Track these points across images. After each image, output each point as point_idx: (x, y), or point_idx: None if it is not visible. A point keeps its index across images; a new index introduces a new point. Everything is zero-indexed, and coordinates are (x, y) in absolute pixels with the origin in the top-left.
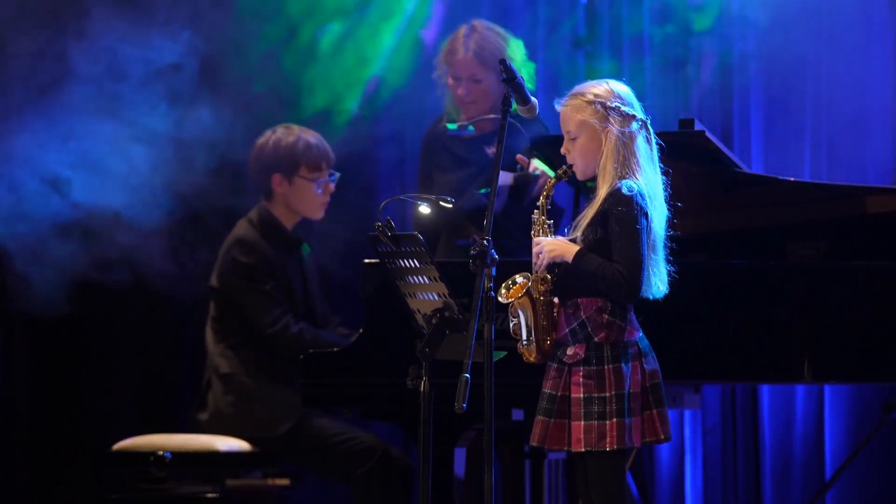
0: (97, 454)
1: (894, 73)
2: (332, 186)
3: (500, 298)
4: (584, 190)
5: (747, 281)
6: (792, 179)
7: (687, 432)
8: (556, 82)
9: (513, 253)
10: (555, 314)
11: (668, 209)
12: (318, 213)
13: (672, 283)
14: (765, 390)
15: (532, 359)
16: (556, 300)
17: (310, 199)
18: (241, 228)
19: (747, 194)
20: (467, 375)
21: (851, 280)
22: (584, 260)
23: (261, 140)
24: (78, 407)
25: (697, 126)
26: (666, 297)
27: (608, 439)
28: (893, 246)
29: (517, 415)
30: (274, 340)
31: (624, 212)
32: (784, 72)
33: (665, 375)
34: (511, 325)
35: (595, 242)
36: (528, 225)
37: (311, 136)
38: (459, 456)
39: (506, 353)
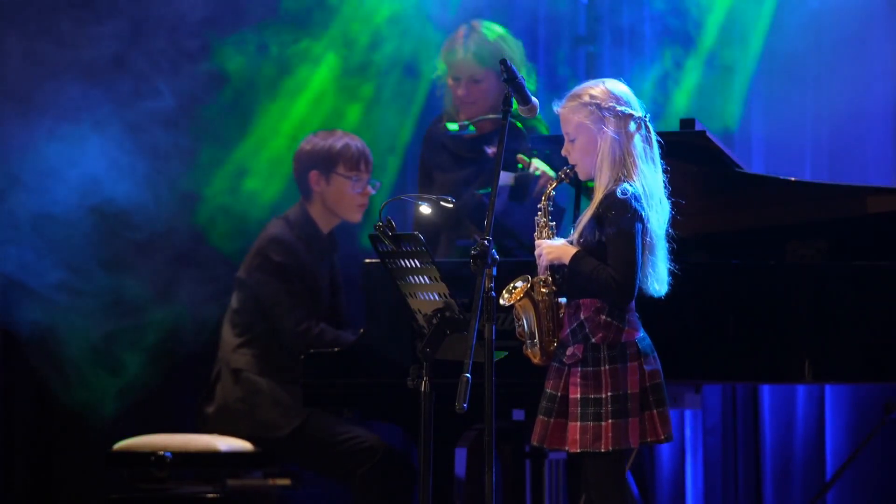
0: (97, 454)
1: (894, 73)
2: (370, 189)
3: (501, 302)
4: (584, 190)
5: (747, 281)
6: (792, 179)
7: (687, 432)
8: (556, 82)
9: (514, 253)
10: (560, 315)
11: (671, 207)
12: (354, 215)
13: (672, 283)
14: (765, 390)
15: (538, 361)
16: (562, 302)
17: (346, 197)
18: (277, 227)
19: (748, 194)
20: (468, 375)
21: (852, 280)
22: (580, 262)
23: (304, 141)
24: (78, 406)
25: (698, 126)
26: (666, 296)
27: (604, 440)
28: (894, 246)
29: (517, 415)
30: (296, 341)
31: (618, 215)
32: (784, 71)
33: (665, 375)
34: (517, 327)
35: (593, 244)
36: (529, 224)
37: (352, 139)
38: (460, 456)
39: (506, 353)
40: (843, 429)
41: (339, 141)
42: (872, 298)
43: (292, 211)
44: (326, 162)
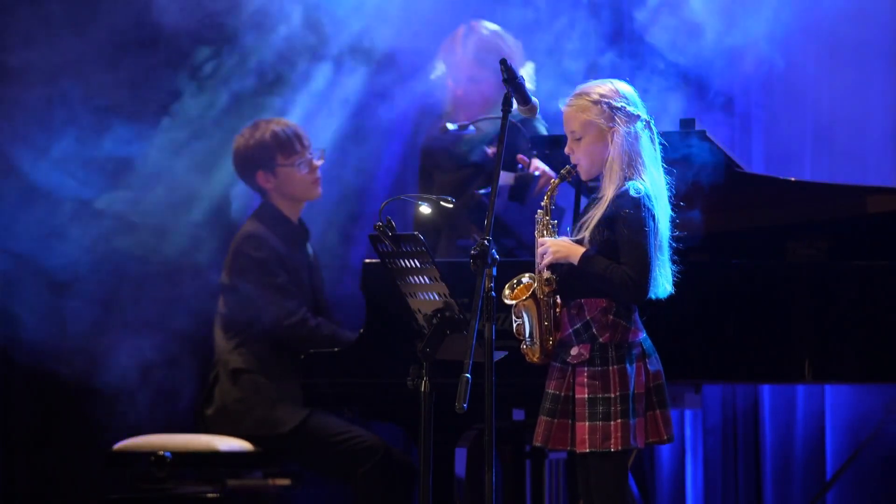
0: (97, 454)
1: (894, 74)
2: (316, 162)
3: (504, 299)
4: (584, 190)
5: (748, 281)
6: (792, 179)
7: (688, 432)
8: (556, 82)
9: (514, 253)
10: (557, 314)
11: (672, 209)
12: (313, 193)
13: (673, 283)
14: (766, 390)
15: (535, 359)
16: (558, 300)
17: (298, 182)
18: (250, 224)
19: (748, 194)
20: (468, 375)
21: (852, 280)
22: (591, 262)
23: (234, 145)
24: (78, 406)
25: (698, 126)
26: (666, 296)
27: (612, 440)
28: (894, 245)
29: (517, 415)
30: (290, 333)
31: (632, 214)
32: (785, 71)
33: (665, 375)
34: (514, 325)
35: (602, 244)
36: (529, 224)
37: (276, 125)
38: (460, 456)
39: (506, 352)
40: (843, 429)
41: (265, 133)
42: (872, 298)
43: (260, 207)
44: (264, 159)
